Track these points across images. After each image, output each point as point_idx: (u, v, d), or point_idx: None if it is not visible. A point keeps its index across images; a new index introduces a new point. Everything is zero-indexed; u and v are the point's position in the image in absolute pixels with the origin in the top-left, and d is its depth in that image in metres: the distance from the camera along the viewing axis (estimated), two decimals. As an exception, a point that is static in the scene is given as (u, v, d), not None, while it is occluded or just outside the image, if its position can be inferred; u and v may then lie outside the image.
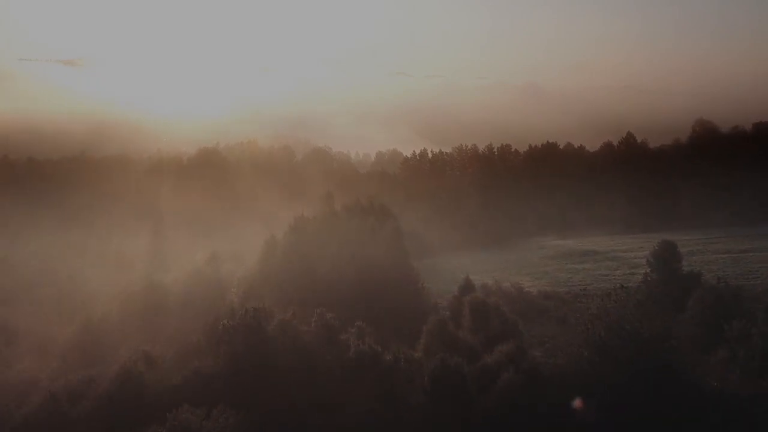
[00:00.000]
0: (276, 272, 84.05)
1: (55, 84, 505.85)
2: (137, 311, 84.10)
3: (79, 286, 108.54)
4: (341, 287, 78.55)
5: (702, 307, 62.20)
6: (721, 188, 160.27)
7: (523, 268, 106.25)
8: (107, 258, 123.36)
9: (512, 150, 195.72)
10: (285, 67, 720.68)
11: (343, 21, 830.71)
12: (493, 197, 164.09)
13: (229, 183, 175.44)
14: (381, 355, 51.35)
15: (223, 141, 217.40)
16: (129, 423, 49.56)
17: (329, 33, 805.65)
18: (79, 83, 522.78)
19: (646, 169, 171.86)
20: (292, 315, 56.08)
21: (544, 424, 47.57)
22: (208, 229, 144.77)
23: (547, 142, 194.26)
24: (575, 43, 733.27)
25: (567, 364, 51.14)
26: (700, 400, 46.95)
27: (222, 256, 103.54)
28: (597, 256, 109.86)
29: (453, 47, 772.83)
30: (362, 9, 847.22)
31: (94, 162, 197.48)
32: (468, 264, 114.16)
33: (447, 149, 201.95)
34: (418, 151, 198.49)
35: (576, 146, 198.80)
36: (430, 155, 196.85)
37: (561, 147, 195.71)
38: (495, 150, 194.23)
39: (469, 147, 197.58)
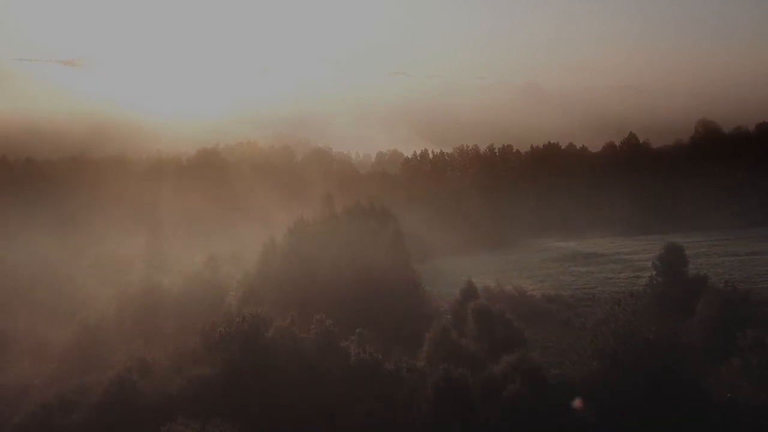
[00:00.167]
0: (275, 275, 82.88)
1: (54, 84, 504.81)
2: (135, 314, 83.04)
3: (76, 288, 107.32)
4: (341, 290, 77.37)
5: (710, 312, 60.89)
6: (724, 189, 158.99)
7: (526, 271, 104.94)
8: (105, 259, 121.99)
9: (513, 150, 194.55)
10: (285, 67, 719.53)
11: (343, 21, 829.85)
12: (495, 198, 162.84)
13: (229, 184, 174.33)
14: (382, 363, 49.99)
15: (223, 141, 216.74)
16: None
17: (329, 33, 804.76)
18: (78, 83, 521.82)
19: (649, 170, 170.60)
20: (291, 321, 54.73)
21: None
22: (208, 230, 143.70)
23: (549, 142, 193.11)
24: (575, 43, 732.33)
25: (576, 375, 49.65)
26: (713, 411, 45.67)
27: (221, 257, 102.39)
28: (600, 259, 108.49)
29: (453, 47, 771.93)
30: (362, 9, 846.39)
31: (93, 163, 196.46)
32: (469, 266, 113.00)
33: (447, 149, 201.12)
34: (418, 152, 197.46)
35: (578, 147, 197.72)
36: (431, 156, 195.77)
37: (563, 147, 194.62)
38: (496, 150, 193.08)
39: (470, 147, 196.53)
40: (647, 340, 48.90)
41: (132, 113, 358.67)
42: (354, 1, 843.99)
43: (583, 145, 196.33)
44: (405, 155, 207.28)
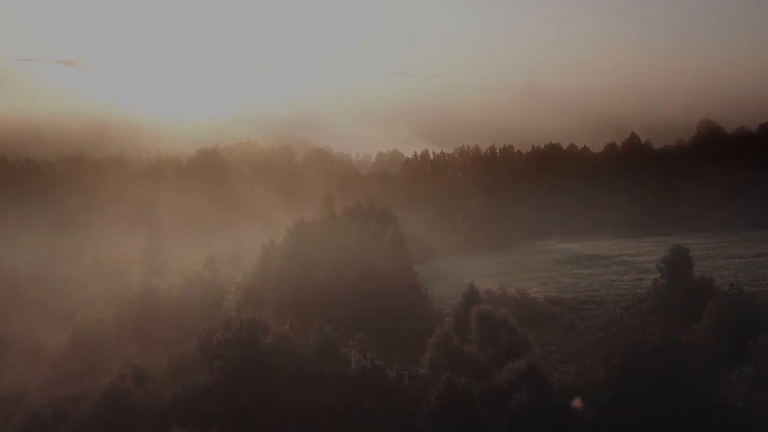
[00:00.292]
0: (275, 277, 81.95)
1: (54, 84, 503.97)
2: (132, 318, 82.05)
3: (74, 290, 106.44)
4: (341, 292, 76.44)
5: (717, 316, 59.67)
6: (726, 190, 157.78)
7: (528, 273, 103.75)
8: (104, 260, 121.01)
9: (515, 151, 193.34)
10: (285, 67, 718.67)
11: (343, 21, 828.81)
12: (496, 199, 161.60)
13: (229, 184, 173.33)
14: (383, 371, 48.75)
15: (223, 141, 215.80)
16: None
17: (329, 33, 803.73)
18: (78, 83, 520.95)
19: (651, 171, 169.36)
20: (290, 327, 53.56)
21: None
22: (207, 230, 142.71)
23: (550, 143, 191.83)
24: (575, 43, 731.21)
25: (584, 384, 48.41)
26: (725, 421, 44.52)
27: (220, 259, 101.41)
28: (603, 261, 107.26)
29: (453, 47, 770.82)
30: (362, 9, 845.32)
31: (92, 163, 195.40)
32: (470, 267, 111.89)
33: (447, 149, 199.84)
34: (418, 152, 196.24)
35: (579, 147, 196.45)
36: (431, 156, 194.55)
37: (564, 148, 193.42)
38: (497, 151, 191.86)
39: (470, 148, 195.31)
40: (656, 347, 47.68)
41: (132, 113, 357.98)
42: (354, 1, 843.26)
43: (584, 146, 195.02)
44: (405, 155, 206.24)
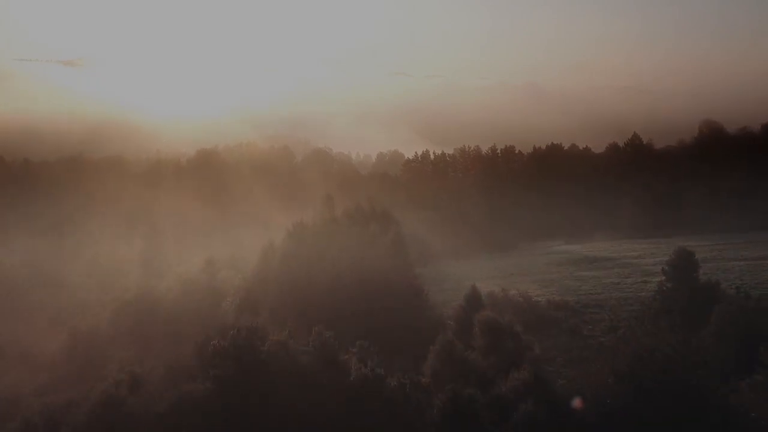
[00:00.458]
0: (273, 281, 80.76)
1: (54, 84, 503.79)
2: (129, 322, 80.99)
3: (71, 293, 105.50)
4: (341, 296, 75.27)
5: (725, 321, 58.39)
6: (729, 191, 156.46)
7: (530, 276, 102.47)
8: (101, 263, 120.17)
9: (516, 151, 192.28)
10: (285, 67, 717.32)
11: (343, 21, 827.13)
12: (497, 200, 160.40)
13: (228, 185, 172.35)
14: (384, 380, 47.47)
15: (223, 142, 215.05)
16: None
17: (329, 33, 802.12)
18: (78, 84, 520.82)
19: (653, 171, 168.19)
20: (288, 334, 52.35)
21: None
22: (206, 232, 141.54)
23: (552, 143, 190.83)
24: (576, 43, 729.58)
25: (591, 394, 47.09)
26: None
27: (219, 261, 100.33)
28: (606, 263, 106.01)
29: (453, 47, 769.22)
30: (362, 9, 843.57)
31: (91, 164, 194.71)
32: (472, 270, 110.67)
33: (448, 150, 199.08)
34: (419, 152, 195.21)
35: (580, 147, 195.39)
36: (432, 157, 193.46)
37: (565, 148, 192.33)
38: (498, 151, 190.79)
39: (471, 148, 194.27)
40: (666, 355, 46.40)
41: (131, 113, 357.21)
42: (354, 1, 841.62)
43: (586, 146, 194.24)
44: (406, 156, 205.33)
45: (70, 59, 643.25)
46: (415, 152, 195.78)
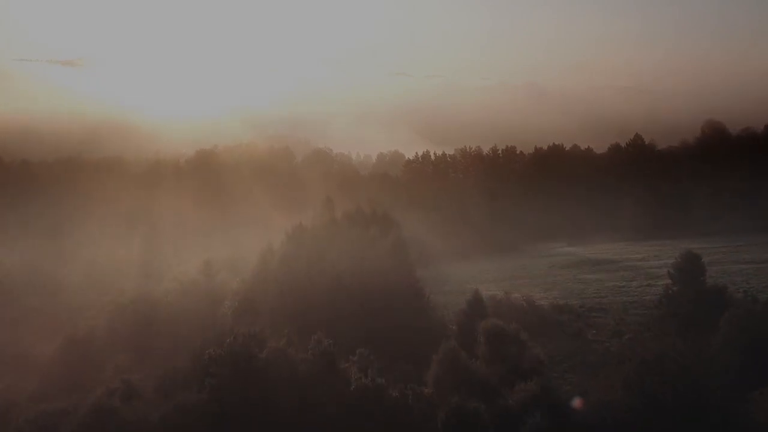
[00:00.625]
0: (272, 284, 79.27)
1: (54, 84, 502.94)
2: (126, 325, 79.64)
3: (67, 296, 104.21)
4: (341, 300, 73.90)
5: (734, 327, 56.94)
6: (733, 192, 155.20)
7: (533, 278, 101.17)
8: (98, 265, 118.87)
9: (517, 152, 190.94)
10: (285, 67, 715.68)
11: (343, 21, 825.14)
12: (498, 201, 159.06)
13: (228, 186, 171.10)
14: (386, 390, 45.99)
15: (222, 142, 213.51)
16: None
17: (329, 33, 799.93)
18: (78, 84, 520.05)
19: (656, 172, 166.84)
20: (287, 341, 50.93)
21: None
22: (205, 233, 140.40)
23: (553, 144, 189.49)
24: (576, 43, 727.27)
25: (601, 405, 45.65)
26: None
27: (218, 263, 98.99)
28: (610, 266, 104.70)
29: (453, 47, 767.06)
30: (362, 9, 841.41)
31: (90, 164, 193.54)
32: (474, 273, 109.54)
33: (448, 150, 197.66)
34: (419, 153, 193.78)
35: (582, 148, 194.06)
36: (432, 157, 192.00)
37: (567, 149, 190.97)
38: (500, 152, 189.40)
39: (472, 149, 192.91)
40: (675, 363, 45.00)
41: (131, 113, 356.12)
42: (354, 1, 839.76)
43: (588, 147, 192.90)
44: (406, 156, 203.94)
45: (70, 59, 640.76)
46: (416, 153, 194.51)
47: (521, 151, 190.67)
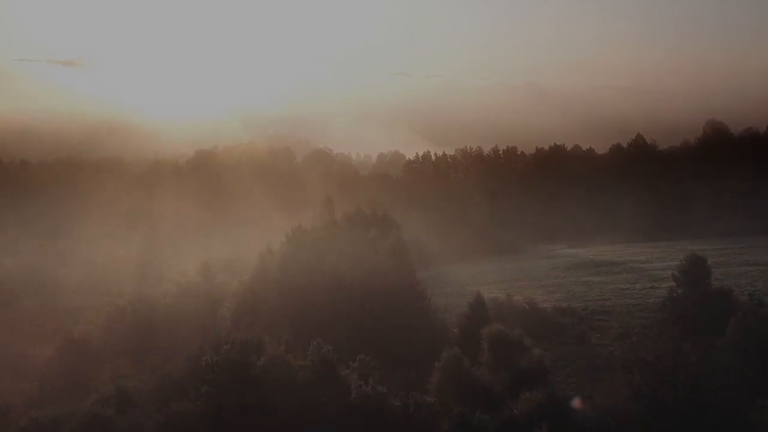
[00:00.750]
0: (271, 286, 78.29)
1: (54, 84, 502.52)
2: (123, 328, 78.74)
3: (65, 297, 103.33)
4: (341, 303, 72.98)
5: (741, 332, 55.83)
6: (735, 192, 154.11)
7: (535, 280, 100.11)
8: (97, 266, 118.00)
9: (518, 152, 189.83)
10: (285, 67, 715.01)
11: (343, 21, 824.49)
12: (499, 202, 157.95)
13: (227, 187, 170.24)
14: (387, 399, 44.88)
15: (222, 142, 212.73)
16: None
17: (329, 33, 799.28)
18: (78, 84, 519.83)
19: (658, 173, 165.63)
20: (285, 348, 49.87)
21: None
22: (204, 234, 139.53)
23: (554, 144, 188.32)
24: (576, 43, 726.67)
25: (610, 415, 44.53)
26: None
27: (217, 264, 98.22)
28: (613, 267, 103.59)
29: (453, 47, 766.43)
30: (362, 9, 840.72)
31: (89, 164, 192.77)
32: (475, 274, 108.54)
33: (448, 150, 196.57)
34: (419, 153, 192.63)
35: (583, 148, 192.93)
36: (433, 158, 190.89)
37: (568, 149, 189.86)
38: (500, 152, 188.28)
39: (473, 149, 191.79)
40: (684, 369, 43.96)
41: (131, 114, 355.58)
42: (354, 1, 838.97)
43: (589, 147, 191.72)
44: (406, 157, 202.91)
45: (70, 59, 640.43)
46: (416, 153, 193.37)
47: (522, 152, 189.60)
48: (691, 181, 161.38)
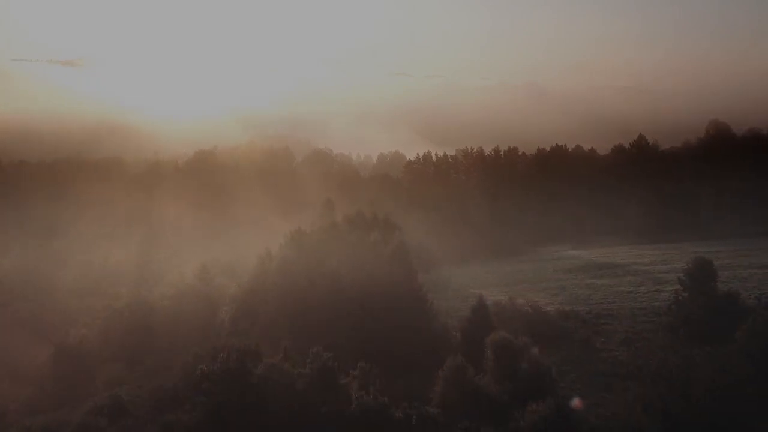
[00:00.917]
0: (270, 290, 77.02)
1: (53, 84, 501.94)
2: (119, 333, 77.51)
3: (61, 300, 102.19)
4: (341, 308, 71.66)
5: (750, 338, 54.56)
6: (737, 192, 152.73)
7: (537, 283, 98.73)
8: (94, 268, 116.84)
9: (519, 153, 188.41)
10: (285, 67, 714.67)
11: (343, 21, 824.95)
12: (500, 203, 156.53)
13: (227, 187, 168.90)
14: (389, 409, 43.56)
15: (222, 143, 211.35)
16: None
17: (329, 33, 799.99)
18: (77, 84, 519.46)
19: (661, 174, 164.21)
20: (284, 356, 48.56)
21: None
22: (204, 235, 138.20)
23: (556, 145, 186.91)
24: (576, 43, 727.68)
25: (620, 428, 43.28)
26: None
27: (216, 267, 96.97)
28: (617, 270, 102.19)
29: (453, 47, 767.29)
30: (362, 9, 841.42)
31: (87, 165, 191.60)
32: (477, 277, 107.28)
33: (449, 150, 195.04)
34: (419, 153, 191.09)
35: (585, 149, 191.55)
36: (434, 158, 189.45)
37: (569, 150, 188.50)
38: (502, 153, 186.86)
39: (474, 150, 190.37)
40: (694, 378, 42.69)
41: (131, 114, 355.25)
42: (354, 1, 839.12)
43: (591, 148, 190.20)
44: (407, 157, 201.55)
45: (69, 59, 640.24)
46: (417, 153, 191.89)
47: (523, 152, 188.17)
48: (694, 181, 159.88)
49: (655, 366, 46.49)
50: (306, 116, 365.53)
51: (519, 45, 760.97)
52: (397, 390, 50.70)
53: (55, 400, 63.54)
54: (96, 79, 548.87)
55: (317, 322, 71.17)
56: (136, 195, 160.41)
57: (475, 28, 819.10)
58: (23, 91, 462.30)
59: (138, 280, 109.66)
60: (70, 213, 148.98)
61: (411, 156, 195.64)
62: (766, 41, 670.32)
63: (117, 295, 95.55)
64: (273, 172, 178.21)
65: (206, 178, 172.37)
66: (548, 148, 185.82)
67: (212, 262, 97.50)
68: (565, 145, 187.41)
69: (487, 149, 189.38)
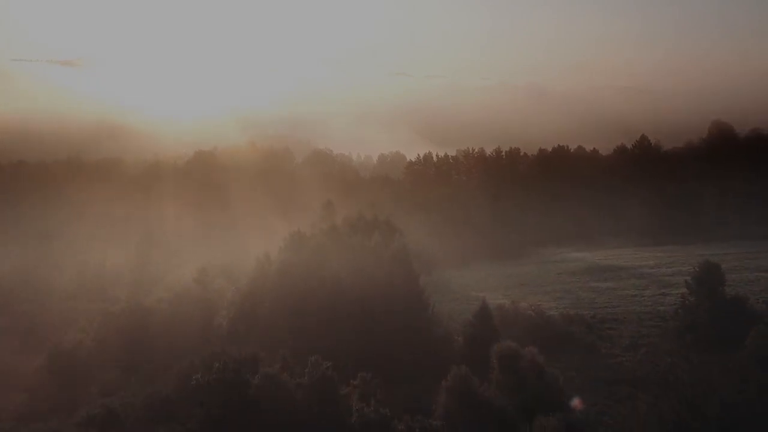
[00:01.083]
0: (269, 294, 75.65)
1: (53, 84, 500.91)
2: (115, 337, 75.89)
3: (58, 303, 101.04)
4: (341, 313, 70.30)
5: (761, 344, 53.20)
6: (740, 193, 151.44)
7: (541, 286, 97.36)
8: (93, 270, 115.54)
9: (521, 154, 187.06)
10: (285, 67, 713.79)
11: (343, 21, 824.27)
12: (502, 204, 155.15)
13: (226, 188, 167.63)
14: (390, 422, 42.18)
15: (222, 143, 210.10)
16: None
17: (329, 33, 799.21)
18: (77, 84, 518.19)
19: (664, 174, 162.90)
20: (282, 366, 47.24)
21: None
22: (203, 237, 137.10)
23: (558, 145, 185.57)
24: (576, 43, 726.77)
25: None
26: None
27: (215, 269, 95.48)
28: (621, 273, 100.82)
29: (454, 47, 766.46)
30: (362, 9, 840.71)
31: (87, 165, 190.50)
32: (479, 279, 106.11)
33: (449, 150, 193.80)
34: (420, 153, 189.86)
35: (587, 149, 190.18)
36: (435, 159, 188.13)
37: (571, 150, 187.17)
38: (503, 154, 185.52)
39: (475, 150, 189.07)
40: (705, 390, 41.36)
41: (130, 114, 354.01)
42: (354, 1, 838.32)
43: (594, 148, 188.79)
44: (407, 157, 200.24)
45: (69, 59, 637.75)
46: (417, 154, 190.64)
47: (525, 153, 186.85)
48: (697, 182, 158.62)
49: (663, 372, 45.01)
50: (306, 116, 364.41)
51: (519, 45, 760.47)
52: (399, 399, 49.37)
53: (48, 407, 62.17)
54: (96, 79, 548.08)
55: (317, 325, 69.90)
56: (135, 196, 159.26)
57: (475, 28, 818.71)
58: (23, 91, 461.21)
59: (136, 283, 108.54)
60: (68, 214, 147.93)
61: (411, 156, 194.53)
62: (766, 41, 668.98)
63: (114, 299, 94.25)
64: (273, 172, 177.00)
65: (206, 179, 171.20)
66: (550, 149, 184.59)
67: (211, 264, 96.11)
68: (567, 146, 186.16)
69: (488, 149, 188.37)
